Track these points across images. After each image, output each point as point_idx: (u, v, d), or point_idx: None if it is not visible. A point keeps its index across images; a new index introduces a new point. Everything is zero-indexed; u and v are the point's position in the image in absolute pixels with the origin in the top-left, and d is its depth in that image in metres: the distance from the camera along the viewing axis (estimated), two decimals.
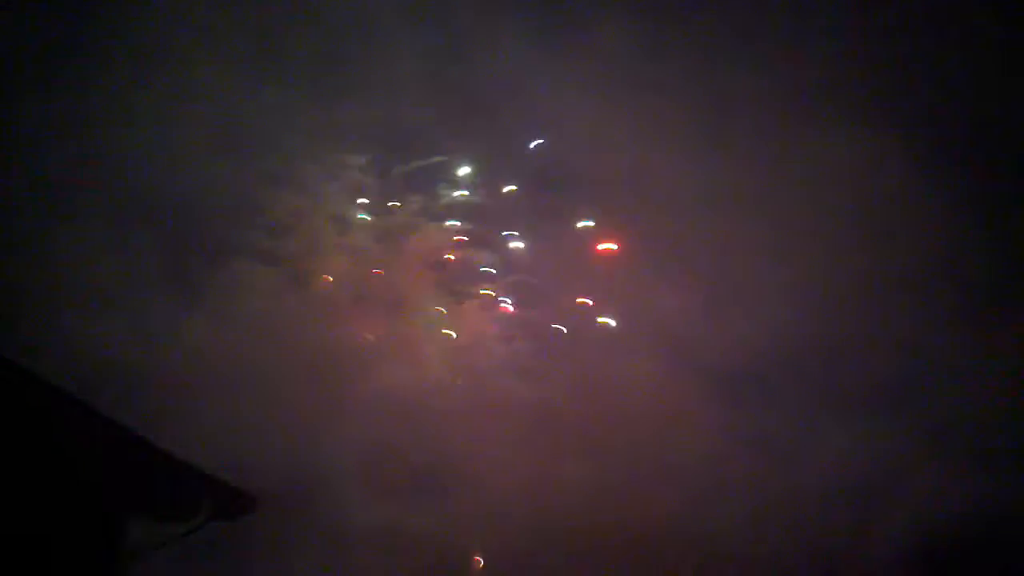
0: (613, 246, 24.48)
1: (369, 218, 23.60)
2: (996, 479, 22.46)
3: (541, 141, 24.19)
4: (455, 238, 24.19)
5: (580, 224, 24.37)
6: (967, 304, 23.23)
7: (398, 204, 23.75)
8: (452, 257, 24.22)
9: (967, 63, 23.09)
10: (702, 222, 24.38)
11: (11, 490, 8.29)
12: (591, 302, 24.52)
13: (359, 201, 23.53)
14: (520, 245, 24.48)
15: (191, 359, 20.47)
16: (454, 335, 23.96)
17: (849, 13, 23.98)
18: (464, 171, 24.04)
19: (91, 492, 9.10)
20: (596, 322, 24.61)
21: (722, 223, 24.42)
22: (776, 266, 24.17)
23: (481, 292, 24.30)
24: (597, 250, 24.46)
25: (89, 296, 20.07)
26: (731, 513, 22.97)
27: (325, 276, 23.15)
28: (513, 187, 24.27)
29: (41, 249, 20.09)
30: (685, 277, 24.47)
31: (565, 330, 24.46)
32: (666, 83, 23.40)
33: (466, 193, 24.10)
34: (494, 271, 24.40)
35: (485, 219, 24.28)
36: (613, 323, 24.61)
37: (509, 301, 24.44)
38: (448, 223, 24.08)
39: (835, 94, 23.67)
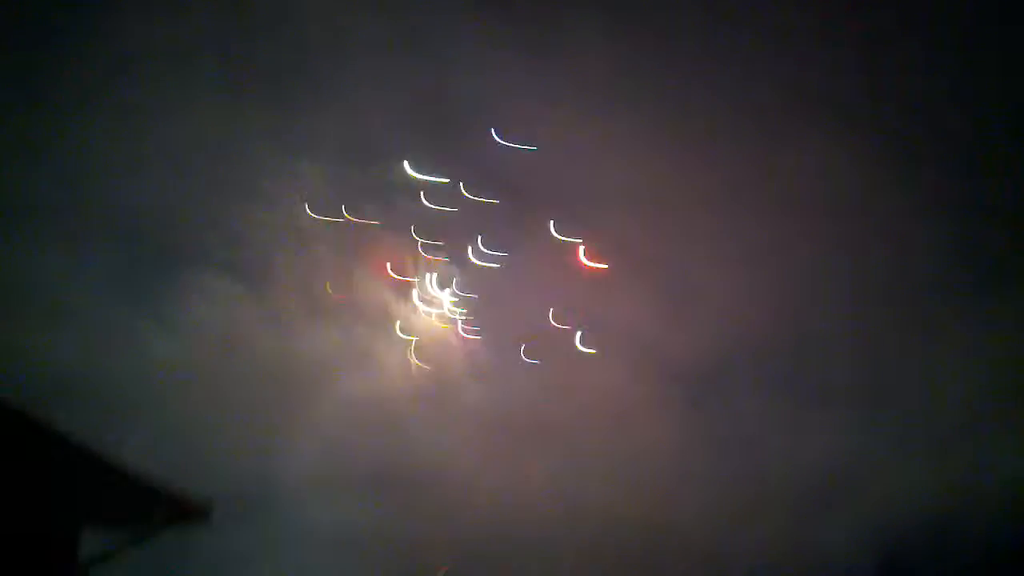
0: (601, 265, 24.40)
1: (327, 228, 23.46)
2: (960, 475, 22.97)
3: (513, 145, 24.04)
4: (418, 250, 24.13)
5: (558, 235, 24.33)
6: (937, 302, 23.77)
7: (353, 217, 23.62)
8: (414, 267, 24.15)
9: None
10: (670, 222, 24.67)
11: None
12: (566, 326, 24.41)
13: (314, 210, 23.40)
14: (482, 255, 24.40)
15: (148, 369, 20.41)
16: (413, 341, 23.97)
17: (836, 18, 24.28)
18: (425, 179, 23.91)
19: (43, 504, 9.10)
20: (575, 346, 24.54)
21: (692, 222, 24.72)
22: (747, 264, 24.46)
23: (442, 311, 24.27)
24: (582, 265, 24.42)
25: (43, 307, 19.92)
26: (701, 510, 23.30)
27: (282, 286, 23.08)
28: (476, 197, 24.16)
29: None
30: (653, 278, 24.73)
31: (538, 362, 24.42)
32: (634, 85, 23.72)
33: (427, 204, 23.98)
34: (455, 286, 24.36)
35: (447, 231, 24.23)
36: (592, 350, 24.60)
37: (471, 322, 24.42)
38: (412, 235, 23.99)
39: (800, 95, 24.04)
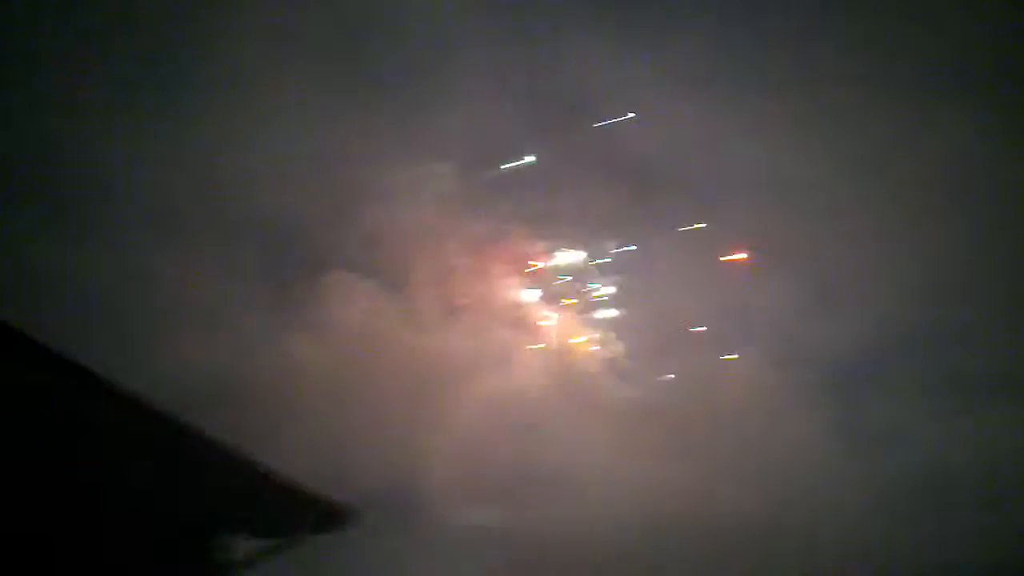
0: (742, 255, 23.80)
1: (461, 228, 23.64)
2: None
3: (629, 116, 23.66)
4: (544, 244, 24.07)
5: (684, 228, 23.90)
6: None
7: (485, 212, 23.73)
8: (542, 264, 24.12)
9: None
10: (806, 212, 23.98)
11: (116, 510, 8.56)
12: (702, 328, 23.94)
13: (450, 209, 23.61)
14: (615, 249, 24.18)
15: (290, 372, 20.94)
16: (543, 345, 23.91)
17: None
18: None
19: (194, 511, 9.37)
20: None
21: (828, 212, 23.99)
22: (886, 253, 23.61)
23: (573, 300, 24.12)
24: (720, 260, 23.89)
25: (191, 313, 20.68)
26: (844, 510, 22.58)
27: (418, 286, 23.36)
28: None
29: (142, 268, 20.75)
30: (790, 269, 24.11)
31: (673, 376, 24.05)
32: (765, 74, 23.16)
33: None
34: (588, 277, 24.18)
35: (574, 223, 24.11)
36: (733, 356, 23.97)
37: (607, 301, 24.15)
38: (538, 229, 23.96)
39: (944, 78, 22.94)
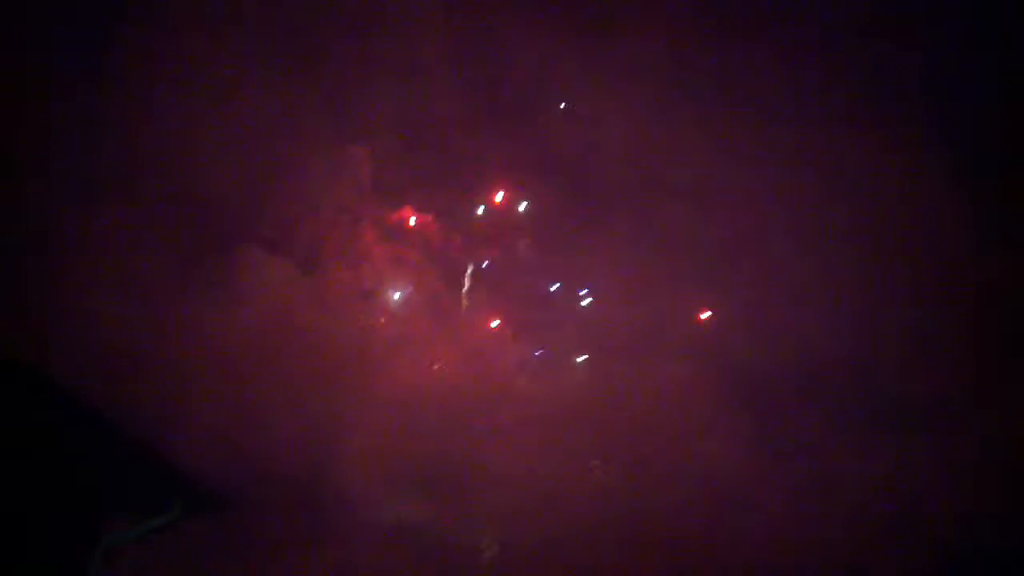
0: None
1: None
2: None
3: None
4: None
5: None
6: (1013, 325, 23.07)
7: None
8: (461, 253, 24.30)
9: None
10: (736, 224, 24.39)
11: None
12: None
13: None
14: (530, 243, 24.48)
15: (195, 348, 20.78)
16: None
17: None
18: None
19: (68, 485, 9.34)
20: None
21: (759, 225, 24.42)
22: (815, 271, 24.08)
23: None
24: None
25: (95, 282, 20.41)
26: (759, 525, 23.06)
27: (333, 268, 23.34)
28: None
29: (52, 236, 20.45)
30: (719, 281, 24.53)
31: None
32: (705, 85, 23.54)
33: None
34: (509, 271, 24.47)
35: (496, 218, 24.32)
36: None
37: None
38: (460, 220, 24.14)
39: (886, 96, 23.54)
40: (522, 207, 24.63)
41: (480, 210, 24.42)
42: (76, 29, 21.10)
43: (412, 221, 24.04)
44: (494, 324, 24.48)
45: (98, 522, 9.63)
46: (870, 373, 24.23)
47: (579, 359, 24.73)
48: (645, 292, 24.33)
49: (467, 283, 24.29)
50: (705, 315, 25.06)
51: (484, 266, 24.45)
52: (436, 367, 23.65)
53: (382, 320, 23.54)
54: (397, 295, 23.84)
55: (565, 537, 22.26)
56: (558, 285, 24.68)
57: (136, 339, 19.60)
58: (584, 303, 24.91)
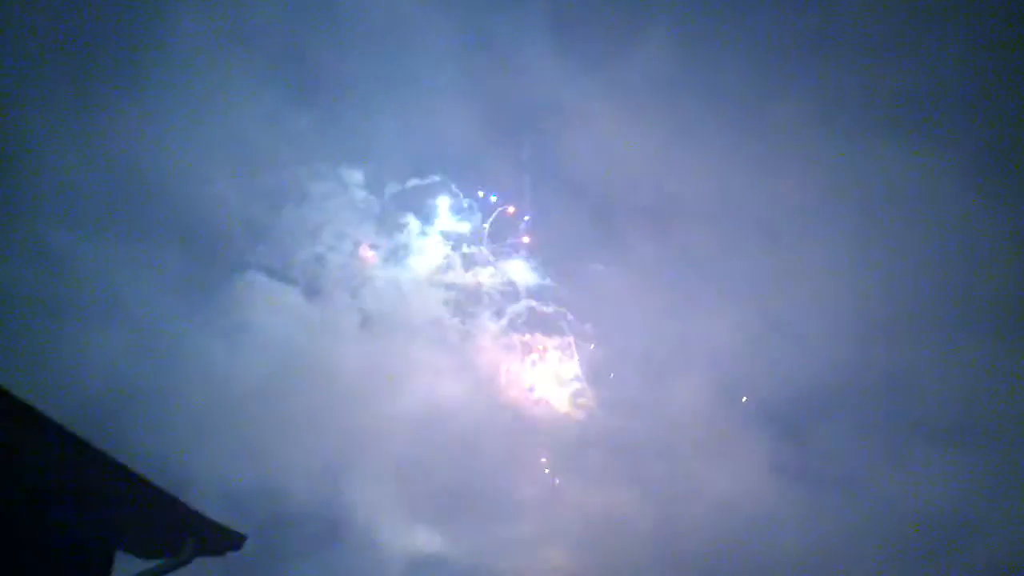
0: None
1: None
2: None
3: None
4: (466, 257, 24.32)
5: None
6: None
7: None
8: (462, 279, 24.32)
9: None
10: (759, 253, 24.46)
11: None
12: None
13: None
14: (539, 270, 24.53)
15: (203, 379, 20.84)
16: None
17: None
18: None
19: (76, 525, 9.37)
20: None
21: (781, 253, 24.48)
22: (838, 296, 24.12)
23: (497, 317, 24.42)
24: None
25: (98, 308, 20.52)
26: (785, 547, 23.06)
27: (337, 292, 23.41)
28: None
29: (51, 260, 20.56)
30: (739, 308, 24.56)
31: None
32: (714, 108, 23.63)
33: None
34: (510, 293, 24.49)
35: (500, 239, 24.41)
36: None
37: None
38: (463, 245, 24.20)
39: (895, 117, 23.64)
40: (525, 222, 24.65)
41: (485, 225, 24.45)
42: (74, 55, 21.27)
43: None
44: (506, 347, 24.50)
45: (108, 563, 9.65)
46: (901, 392, 24.24)
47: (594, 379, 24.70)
48: (665, 314, 24.46)
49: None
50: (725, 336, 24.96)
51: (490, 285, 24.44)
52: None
53: (392, 347, 23.52)
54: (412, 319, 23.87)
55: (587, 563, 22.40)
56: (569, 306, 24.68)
57: (141, 373, 19.74)
58: (599, 325, 24.90)
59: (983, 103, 23.55)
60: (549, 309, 24.27)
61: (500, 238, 24.34)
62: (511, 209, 24.43)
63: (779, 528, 23.45)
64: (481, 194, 24.38)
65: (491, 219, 24.34)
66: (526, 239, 24.48)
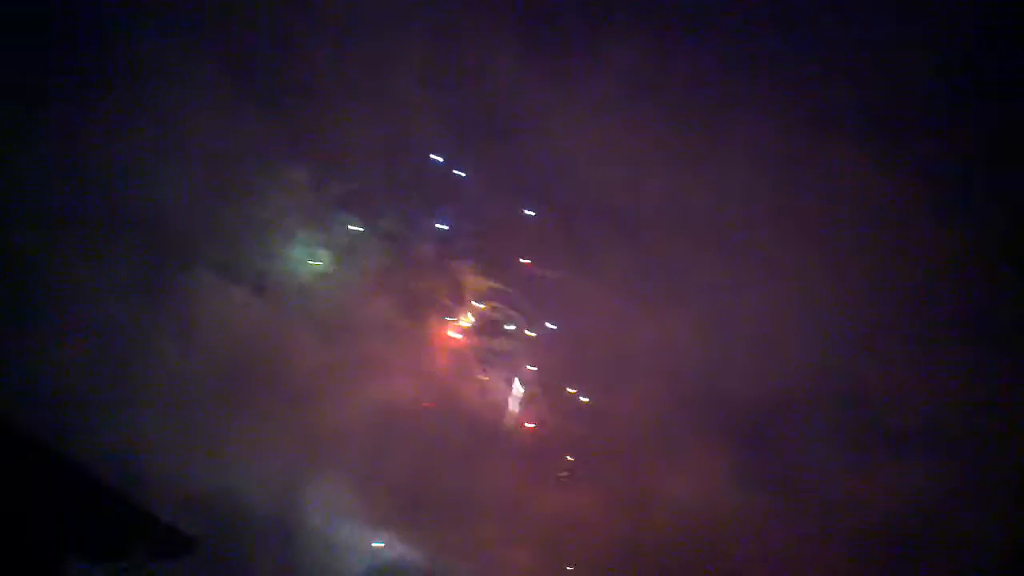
0: None
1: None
2: None
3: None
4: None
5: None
6: (1002, 340, 23.58)
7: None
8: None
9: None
10: (724, 259, 24.77)
11: None
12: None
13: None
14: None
15: (154, 376, 20.81)
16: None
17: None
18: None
19: (22, 528, 9.41)
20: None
21: (743, 253, 24.82)
22: (800, 300, 24.50)
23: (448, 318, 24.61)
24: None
25: (47, 308, 20.41)
26: (749, 552, 23.46)
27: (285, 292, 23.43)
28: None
29: None
30: (702, 314, 24.86)
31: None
32: (673, 103, 23.98)
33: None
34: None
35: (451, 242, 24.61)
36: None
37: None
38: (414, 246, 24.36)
39: (861, 113, 24.11)
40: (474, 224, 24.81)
41: (442, 224, 24.58)
42: (20, 46, 21.15)
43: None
44: (464, 347, 24.69)
45: (57, 567, 9.71)
46: (867, 399, 24.70)
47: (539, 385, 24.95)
48: (625, 319, 24.70)
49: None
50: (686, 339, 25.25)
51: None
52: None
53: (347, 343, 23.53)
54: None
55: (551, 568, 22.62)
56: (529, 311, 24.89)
57: (92, 373, 19.65)
58: (558, 327, 25.11)
59: (955, 106, 24.00)
60: (501, 314, 24.57)
61: (452, 241, 24.52)
62: (459, 211, 24.50)
63: (743, 533, 23.80)
64: (433, 196, 24.43)
65: (442, 222, 24.43)
66: (478, 243, 24.60)
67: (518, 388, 24.68)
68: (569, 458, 24.34)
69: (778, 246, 24.45)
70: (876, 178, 23.67)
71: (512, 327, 24.75)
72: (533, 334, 24.76)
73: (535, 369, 24.84)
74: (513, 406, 24.63)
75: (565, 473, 24.17)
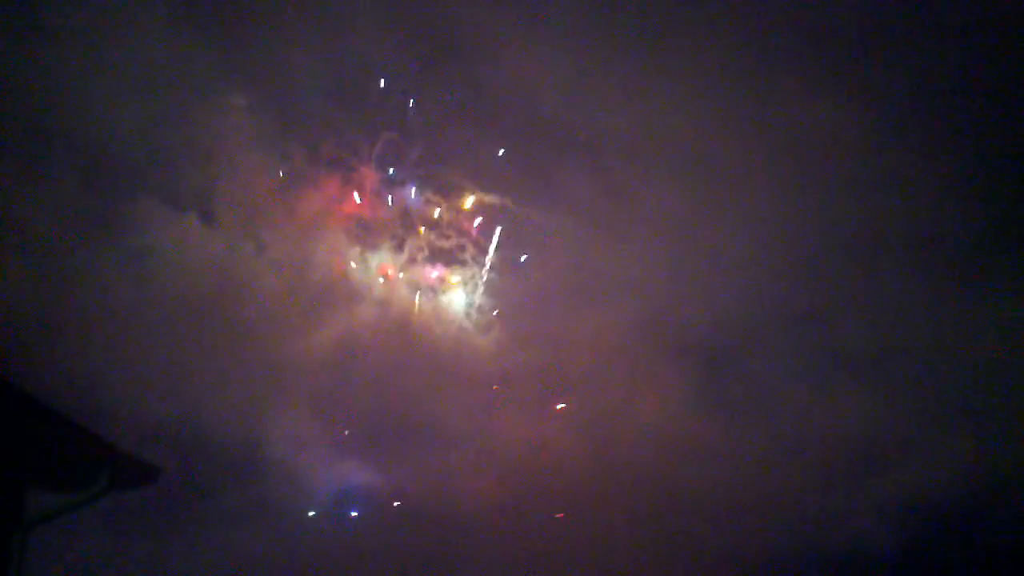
0: None
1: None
2: (986, 443, 23.47)
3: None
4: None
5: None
6: (954, 265, 24.06)
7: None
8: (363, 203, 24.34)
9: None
10: (684, 187, 24.95)
11: None
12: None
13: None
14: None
15: (105, 307, 20.72)
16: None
17: None
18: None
19: None
20: None
21: (706, 187, 25.02)
22: (753, 230, 24.81)
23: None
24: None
25: None
26: (710, 473, 24.03)
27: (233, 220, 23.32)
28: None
29: None
30: (662, 241, 25.08)
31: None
32: (635, 44, 23.85)
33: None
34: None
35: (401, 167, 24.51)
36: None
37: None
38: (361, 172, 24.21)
39: (814, 44, 24.16)
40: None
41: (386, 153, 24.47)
42: None
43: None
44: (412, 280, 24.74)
45: (19, 498, 9.82)
46: (822, 323, 25.19)
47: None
48: (587, 246, 24.90)
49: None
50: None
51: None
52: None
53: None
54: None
55: (518, 494, 23.03)
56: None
57: (46, 303, 19.54)
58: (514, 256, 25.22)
59: (917, 55, 24.18)
60: (453, 242, 24.61)
61: (400, 166, 24.42)
62: (401, 135, 24.36)
63: (704, 454, 24.34)
64: (381, 121, 24.23)
65: (391, 147, 24.29)
66: (426, 168, 24.51)
67: (474, 314, 24.84)
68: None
69: (736, 174, 24.70)
70: (827, 108, 23.88)
71: (465, 255, 24.81)
72: (488, 262, 24.86)
73: (492, 298, 25.01)
74: (475, 333, 24.82)
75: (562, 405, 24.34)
